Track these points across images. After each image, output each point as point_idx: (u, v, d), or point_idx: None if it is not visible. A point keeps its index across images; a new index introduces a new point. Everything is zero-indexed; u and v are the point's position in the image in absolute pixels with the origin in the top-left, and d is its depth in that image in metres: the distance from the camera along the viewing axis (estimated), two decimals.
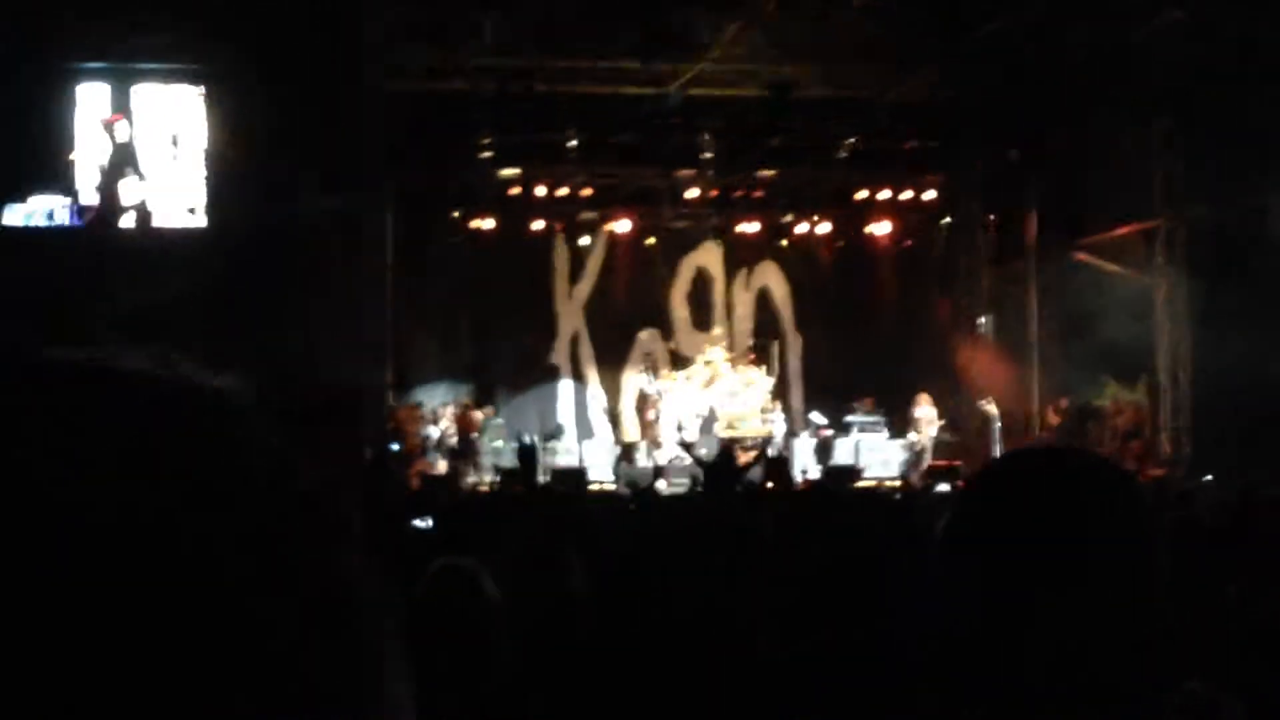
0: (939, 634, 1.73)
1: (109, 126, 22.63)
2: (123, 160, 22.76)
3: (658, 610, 5.61)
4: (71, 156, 22.49)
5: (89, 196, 22.43)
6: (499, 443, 24.37)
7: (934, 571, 1.73)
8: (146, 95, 22.79)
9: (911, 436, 25.86)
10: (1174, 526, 4.59)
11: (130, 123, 22.69)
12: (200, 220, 22.68)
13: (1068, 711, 1.64)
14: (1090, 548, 1.67)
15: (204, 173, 22.67)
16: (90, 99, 22.66)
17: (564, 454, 24.77)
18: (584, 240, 27.25)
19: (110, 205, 22.51)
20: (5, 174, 22.18)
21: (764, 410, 26.04)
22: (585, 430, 26.76)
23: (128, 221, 22.51)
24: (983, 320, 28.08)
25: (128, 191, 22.60)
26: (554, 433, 24.79)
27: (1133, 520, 1.71)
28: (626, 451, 25.71)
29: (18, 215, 22.25)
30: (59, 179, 22.62)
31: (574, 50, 22.85)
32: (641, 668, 4.79)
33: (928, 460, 25.17)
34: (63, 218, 22.52)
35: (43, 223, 22.32)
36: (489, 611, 4.07)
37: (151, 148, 22.82)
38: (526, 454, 22.27)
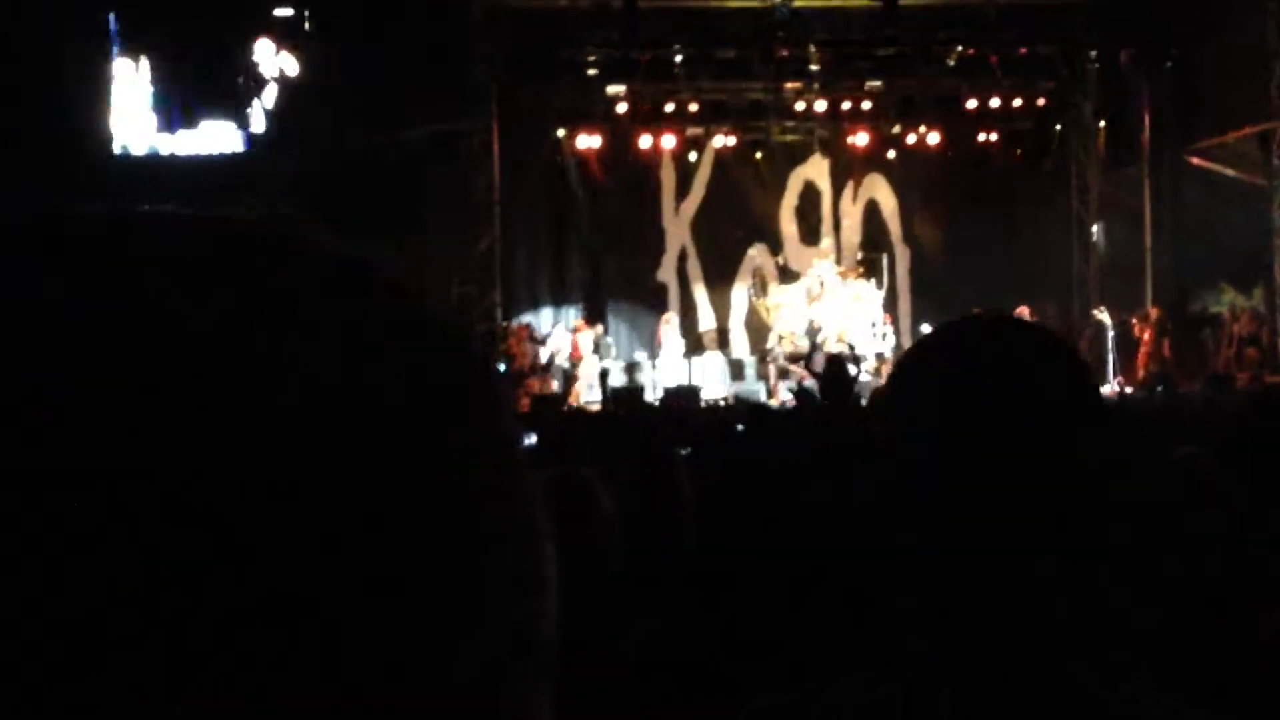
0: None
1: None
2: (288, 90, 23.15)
3: (766, 528, 5.60)
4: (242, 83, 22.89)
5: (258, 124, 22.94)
6: (609, 361, 24.46)
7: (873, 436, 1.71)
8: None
9: None
10: None
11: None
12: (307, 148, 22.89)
13: (991, 579, 1.61)
14: (1020, 417, 1.62)
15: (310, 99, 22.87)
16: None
17: (673, 371, 24.82)
18: (690, 156, 27.14)
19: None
20: (178, 101, 22.56)
21: (874, 324, 25.90)
22: (694, 346, 26.76)
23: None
24: (1096, 227, 27.79)
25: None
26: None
27: (1070, 391, 1.66)
28: (736, 367, 25.70)
29: (190, 142, 22.64)
30: (230, 106, 22.99)
31: None
32: (748, 587, 4.79)
33: None
34: (234, 144, 22.93)
35: (212, 150, 22.78)
36: (603, 521, 4.07)
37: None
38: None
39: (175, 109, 22.91)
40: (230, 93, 22.83)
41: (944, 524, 1.61)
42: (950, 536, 1.62)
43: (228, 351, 0.60)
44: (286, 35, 22.86)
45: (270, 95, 22.93)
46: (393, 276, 0.69)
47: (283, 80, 22.88)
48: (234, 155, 22.76)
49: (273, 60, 22.90)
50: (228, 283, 0.62)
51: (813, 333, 24.86)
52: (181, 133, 22.94)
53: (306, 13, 22.89)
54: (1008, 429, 1.60)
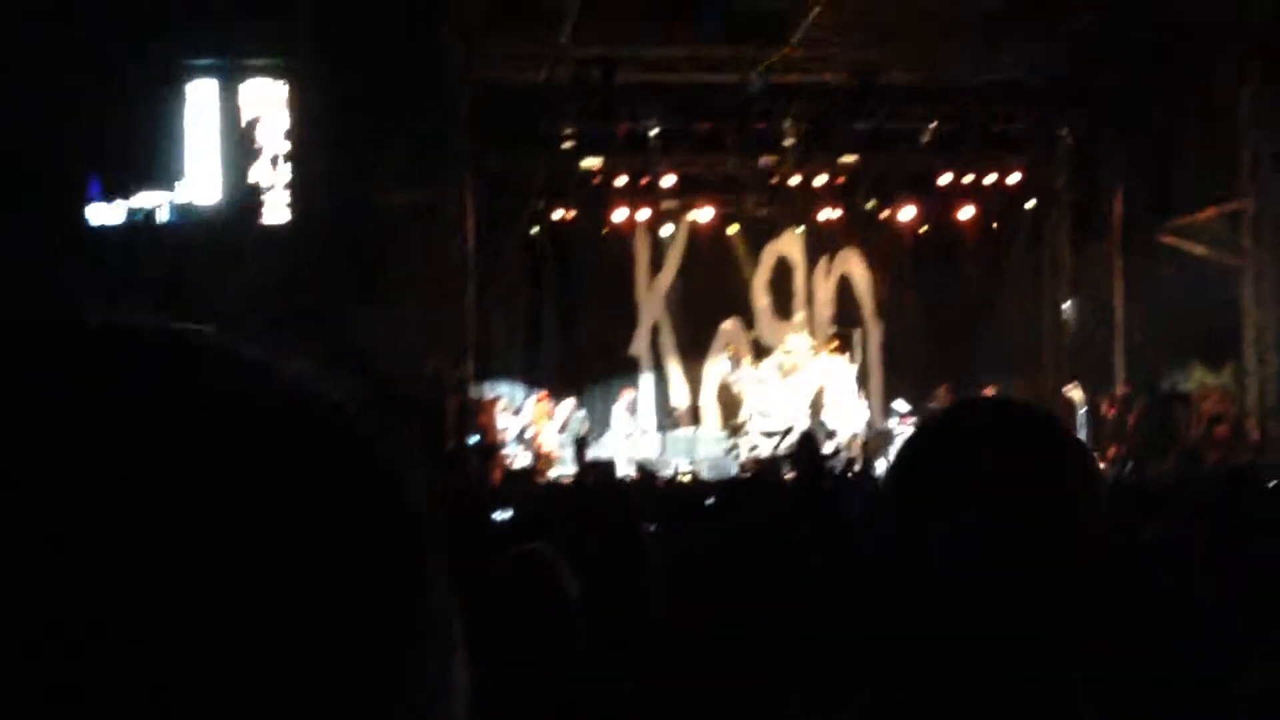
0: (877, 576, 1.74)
1: (250, 125, 23.03)
2: (249, 155, 23.16)
3: (736, 603, 5.60)
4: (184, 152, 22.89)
5: (201, 192, 22.91)
6: (580, 434, 24.43)
7: (877, 516, 1.74)
8: (254, 90, 23.22)
9: None
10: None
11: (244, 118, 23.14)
12: (284, 213, 22.94)
13: (983, 654, 1.63)
14: (1024, 500, 1.65)
15: (289, 164, 22.93)
16: (200, 95, 23.13)
17: (645, 445, 24.82)
18: (665, 229, 27.21)
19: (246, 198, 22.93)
20: (111, 171, 22.51)
21: (847, 399, 25.91)
22: (667, 421, 26.75)
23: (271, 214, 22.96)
24: (1067, 304, 27.89)
25: (253, 185, 23.08)
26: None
27: (1072, 475, 1.69)
28: (709, 442, 25.68)
29: (118, 212, 22.59)
30: (164, 175, 22.98)
31: (655, 37, 22.87)
32: (715, 661, 4.79)
33: None
34: (163, 215, 22.89)
35: (148, 218, 22.75)
36: (566, 599, 4.08)
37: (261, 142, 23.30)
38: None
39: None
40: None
41: (966, 606, 1.64)
42: (972, 618, 1.64)
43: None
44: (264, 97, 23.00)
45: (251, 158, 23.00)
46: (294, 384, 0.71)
47: (253, 142, 22.98)
48: (214, 218, 22.79)
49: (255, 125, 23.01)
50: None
51: (786, 408, 24.88)
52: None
53: (285, 77, 22.99)
54: (1027, 520, 1.63)
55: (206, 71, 23.09)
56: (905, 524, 1.70)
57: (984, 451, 1.69)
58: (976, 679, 1.63)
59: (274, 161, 23.14)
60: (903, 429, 25.21)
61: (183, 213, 22.87)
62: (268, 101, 23.20)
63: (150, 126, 22.66)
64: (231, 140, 23.09)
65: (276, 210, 23.04)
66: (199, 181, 23.02)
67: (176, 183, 22.94)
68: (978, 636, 1.63)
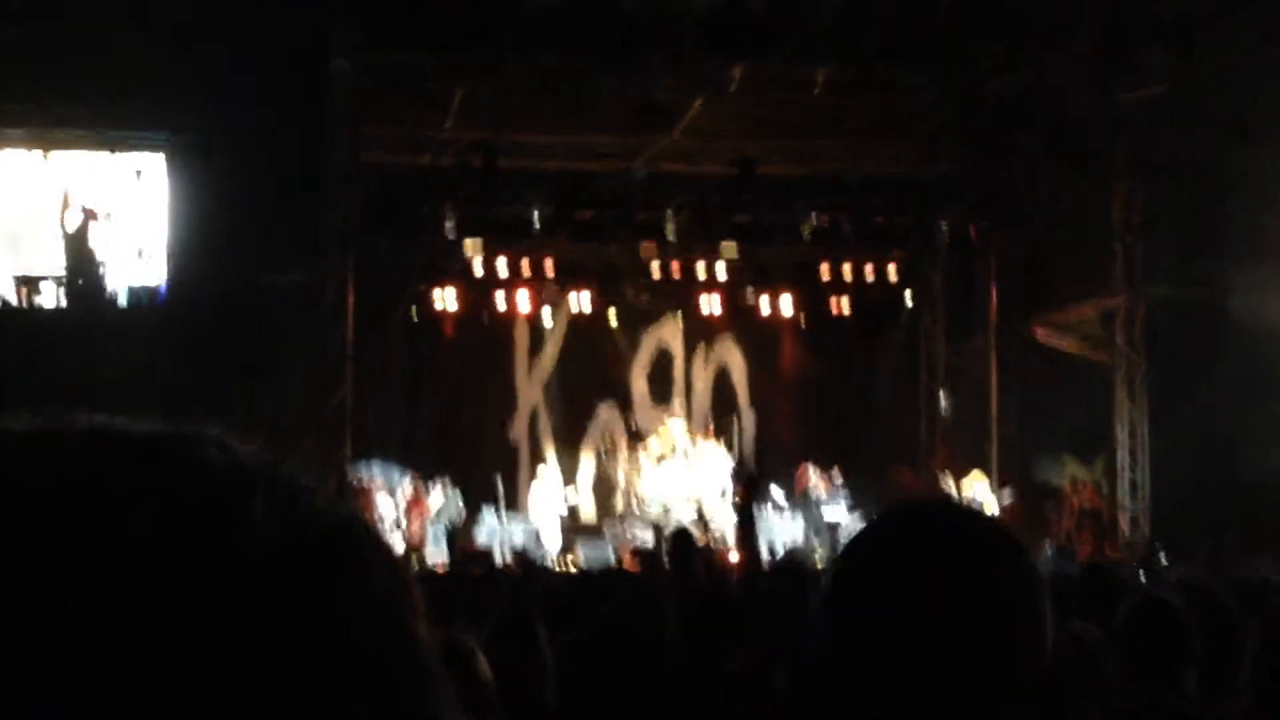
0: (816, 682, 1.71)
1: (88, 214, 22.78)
2: (87, 234, 22.87)
3: (622, 695, 5.59)
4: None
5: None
6: (454, 521, 24.21)
7: (816, 620, 1.71)
8: (100, 165, 22.97)
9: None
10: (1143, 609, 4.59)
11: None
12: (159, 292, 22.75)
13: None
14: (968, 604, 1.64)
15: (164, 245, 22.74)
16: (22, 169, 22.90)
17: (522, 532, 24.69)
18: (545, 314, 27.21)
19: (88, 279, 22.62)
20: None
21: (724, 489, 25.88)
22: (544, 508, 26.66)
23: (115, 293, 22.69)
24: (942, 395, 28.15)
25: (97, 264, 22.77)
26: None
27: (1014, 579, 1.68)
28: (585, 529, 25.58)
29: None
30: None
31: (540, 124, 22.97)
32: None
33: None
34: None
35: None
36: (486, 687, 4.06)
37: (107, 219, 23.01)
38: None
39: None
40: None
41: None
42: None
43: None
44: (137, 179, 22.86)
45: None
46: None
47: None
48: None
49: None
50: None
51: (663, 497, 24.88)
52: None
53: (164, 154, 22.86)
54: (969, 624, 1.61)
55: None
56: (843, 626, 1.68)
57: (928, 557, 1.67)
58: None
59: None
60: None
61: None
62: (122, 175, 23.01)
63: None
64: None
65: (149, 289, 22.82)
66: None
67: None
68: None
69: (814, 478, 25.05)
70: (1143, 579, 13.25)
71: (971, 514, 1.81)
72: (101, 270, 22.91)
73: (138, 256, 23.07)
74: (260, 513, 0.67)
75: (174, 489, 0.65)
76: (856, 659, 1.64)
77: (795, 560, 17.18)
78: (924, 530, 1.74)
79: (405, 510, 24.12)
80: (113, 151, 23.10)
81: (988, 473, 25.88)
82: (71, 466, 0.65)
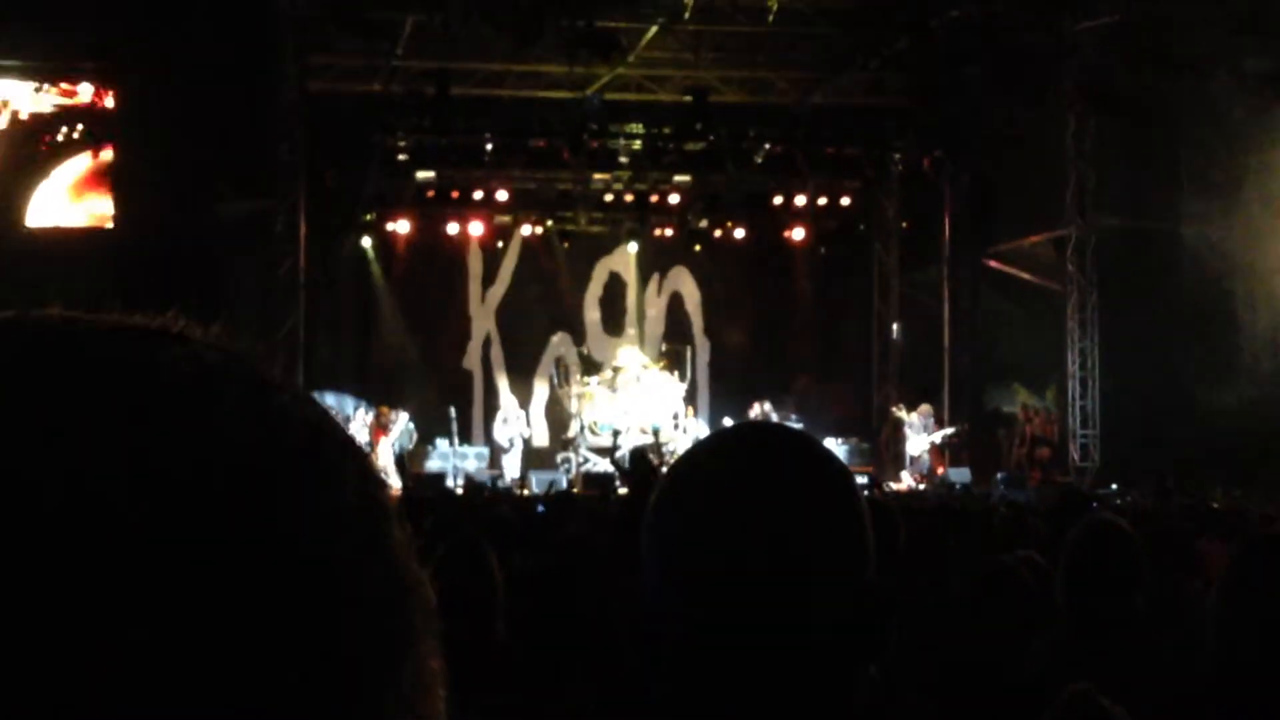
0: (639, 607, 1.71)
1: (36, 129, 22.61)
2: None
3: (572, 618, 5.64)
4: None
5: None
6: (405, 447, 24.23)
7: (644, 545, 1.71)
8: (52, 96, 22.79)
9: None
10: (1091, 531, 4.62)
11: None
12: (108, 222, 22.60)
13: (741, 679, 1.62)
14: (787, 523, 1.64)
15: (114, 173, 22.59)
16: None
17: (475, 459, 24.73)
18: (498, 244, 27.14)
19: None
20: None
21: (676, 416, 25.99)
22: (500, 435, 26.67)
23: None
24: (895, 326, 28.23)
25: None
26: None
27: (835, 497, 1.69)
28: (538, 455, 25.63)
29: None
30: None
31: (492, 53, 22.84)
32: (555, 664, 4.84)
33: None
34: None
35: None
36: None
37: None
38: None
39: None
40: None
41: (695, 632, 1.62)
42: (702, 643, 1.62)
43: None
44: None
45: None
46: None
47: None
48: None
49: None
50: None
51: (615, 423, 24.92)
52: None
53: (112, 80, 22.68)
54: (773, 546, 1.61)
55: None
56: (657, 550, 1.68)
57: (741, 477, 1.67)
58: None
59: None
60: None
61: None
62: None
63: None
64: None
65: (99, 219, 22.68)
66: None
67: None
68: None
69: (763, 410, 25.10)
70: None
71: (793, 434, 1.80)
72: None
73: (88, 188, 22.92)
74: (228, 413, 0.66)
75: (136, 397, 0.64)
76: (672, 580, 1.65)
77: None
78: (735, 451, 1.74)
79: (370, 440, 24.09)
80: (56, 83, 22.89)
81: (938, 404, 26.00)
82: (24, 367, 0.64)
